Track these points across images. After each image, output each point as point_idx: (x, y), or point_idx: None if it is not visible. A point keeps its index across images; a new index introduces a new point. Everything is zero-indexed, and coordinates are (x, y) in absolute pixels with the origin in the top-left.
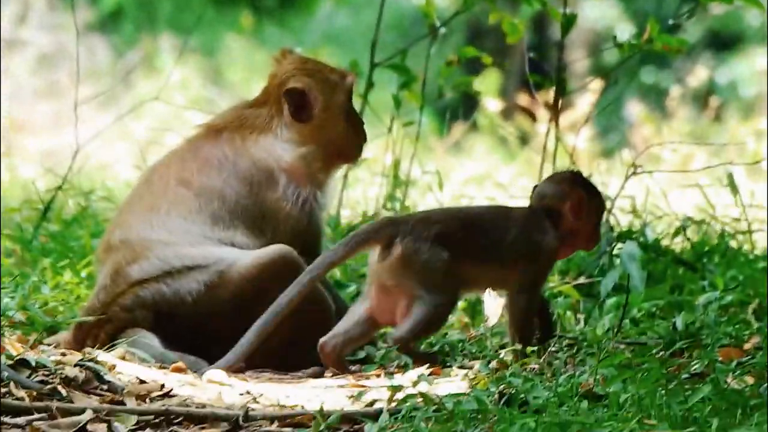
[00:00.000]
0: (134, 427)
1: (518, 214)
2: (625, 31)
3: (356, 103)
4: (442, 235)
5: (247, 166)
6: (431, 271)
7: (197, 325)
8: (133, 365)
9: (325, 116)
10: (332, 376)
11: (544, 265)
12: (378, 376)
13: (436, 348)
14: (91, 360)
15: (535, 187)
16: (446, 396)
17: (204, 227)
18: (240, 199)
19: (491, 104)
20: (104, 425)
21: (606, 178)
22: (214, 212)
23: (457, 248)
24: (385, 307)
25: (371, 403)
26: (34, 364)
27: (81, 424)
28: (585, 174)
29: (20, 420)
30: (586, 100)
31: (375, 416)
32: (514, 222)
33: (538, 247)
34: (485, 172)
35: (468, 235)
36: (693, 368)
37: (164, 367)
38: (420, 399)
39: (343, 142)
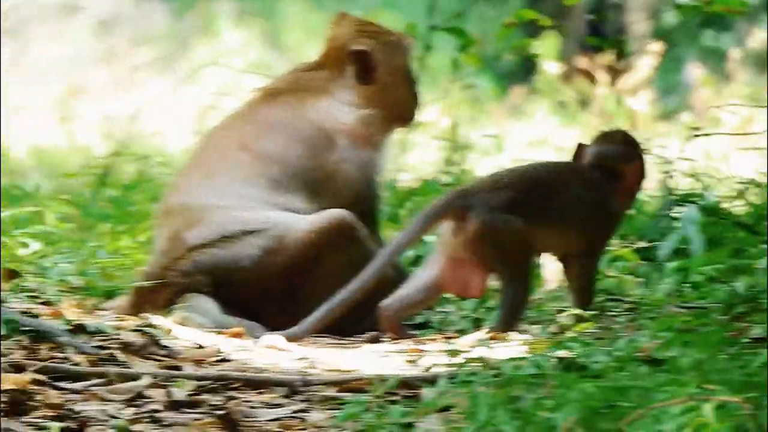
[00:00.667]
0: (192, 392)
1: (586, 174)
2: None
3: (414, 67)
4: (514, 201)
5: (306, 129)
6: (509, 242)
7: (255, 290)
8: (190, 330)
9: (387, 79)
10: (390, 341)
11: (610, 228)
12: (435, 340)
13: (494, 312)
14: (148, 325)
15: (583, 145)
16: (504, 360)
17: (262, 192)
18: (299, 162)
19: (550, 67)
20: (162, 390)
21: (665, 141)
22: (272, 176)
23: (530, 213)
24: (457, 278)
25: (429, 368)
26: (91, 329)
27: (139, 390)
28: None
29: (77, 385)
30: (645, 63)
31: (432, 381)
32: (582, 181)
33: (606, 209)
34: (544, 136)
35: (539, 198)
36: (753, 333)
37: (222, 332)
38: (478, 363)
39: (402, 104)
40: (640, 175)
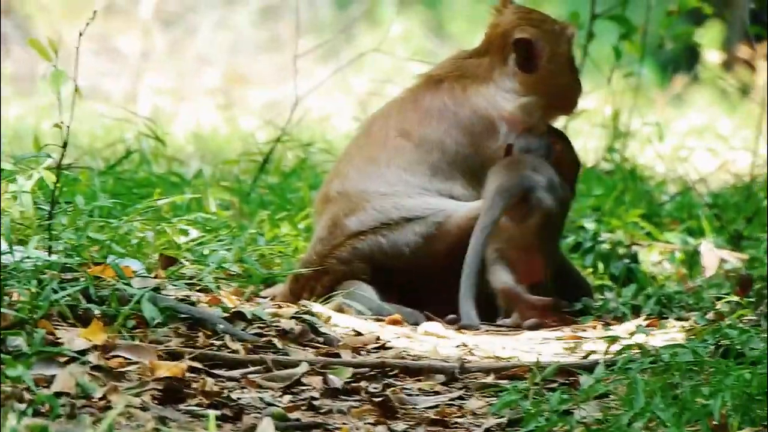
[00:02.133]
0: (350, 379)
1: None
2: None
3: (576, 55)
4: (555, 185)
5: (467, 116)
6: (561, 224)
7: (414, 277)
8: (349, 317)
9: (549, 67)
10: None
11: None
12: (594, 327)
13: (653, 299)
14: (306, 312)
15: (511, 145)
16: (663, 347)
17: (423, 178)
18: (460, 149)
19: (712, 56)
20: (319, 378)
21: None
22: (433, 163)
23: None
24: (530, 269)
25: (587, 355)
26: (249, 316)
27: (296, 377)
28: None
29: (235, 373)
30: None
31: (591, 368)
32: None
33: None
34: (706, 124)
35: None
36: None
37: (380, 320)
38: (636, 350)
39: (564, 92)
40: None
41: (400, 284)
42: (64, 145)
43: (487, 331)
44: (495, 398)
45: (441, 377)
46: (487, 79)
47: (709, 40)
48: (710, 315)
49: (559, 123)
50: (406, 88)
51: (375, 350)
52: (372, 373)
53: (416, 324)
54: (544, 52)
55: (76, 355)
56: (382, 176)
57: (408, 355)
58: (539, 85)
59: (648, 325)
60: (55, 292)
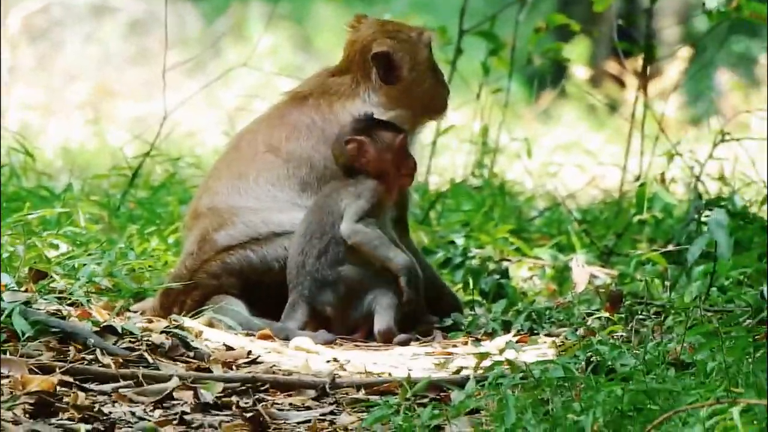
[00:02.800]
0: (220, 394)
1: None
2: None
3: (445, 70)
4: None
5: (334, 132)
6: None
7: (284, 291)
8: (219, 332)
9: (412, 76)
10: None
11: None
12: (465, 343)
13: (523, 315)
14: (177, 327)
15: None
16: (533, 363)
17: (292, 193)
18: (328, 164)
19: (580, 71)
20: (190, 392)
21: (695, 146)
22: (302, 178)
23: None
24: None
25: (458, 371)
26: (120, 330)
27: (167, 391)
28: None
29: (106, 387)
30: (675, 68)
31: (462, 384)
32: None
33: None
34: (574, 140)
35: None
36: None
37: (251, 334)
38: (507, 366)
39: (431, 97)
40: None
41: (271, 299)
42: None
43: (357, 345)
44: (366, 413)
45: (312, 392)
46: (352, 95)
47: (577, 56)
48: (581, 331)
49: (427, 137)
50: (272, 104)
51: (246, 365)
52: (243, 387)
53: (287, 338)
54: (404, 61)
55: None
56: (251, 191)
57: (279, 369)
58: (404, 95)
59: (518, 341)
60: None
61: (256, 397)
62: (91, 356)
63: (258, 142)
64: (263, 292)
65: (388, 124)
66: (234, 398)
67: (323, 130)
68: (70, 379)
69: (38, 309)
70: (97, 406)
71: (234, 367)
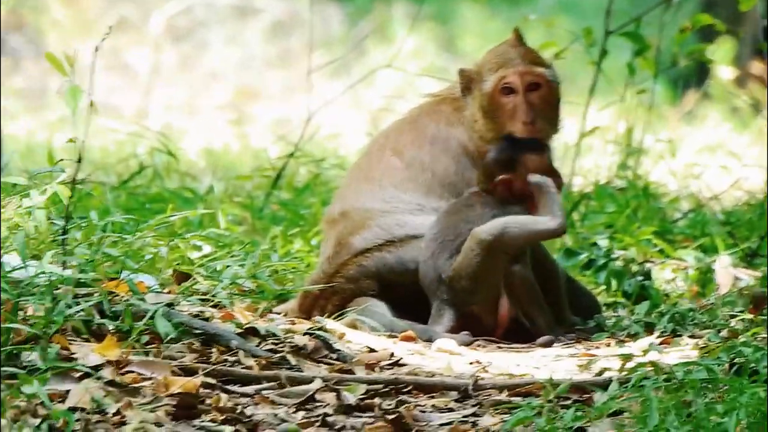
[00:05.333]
0: (363, 395)
1: None
2: None
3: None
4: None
5: (456, 145)
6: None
7: (423, 292)
8: (362, 334)
9: (480, 97)
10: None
11: None
12: (608, 345)
13: (666, 317)
14: (320, 328)
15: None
16: (676, 365)
17: (416, 195)
18: (449, 174)
19: (724, 72)
20: (333, 394)
21: None
22: (425, 182)
23: None
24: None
25: (601, 372)
26: (263, 332)
27: (310, 393)
28: None
29: (249, 389)
30: None
31: (604, 385)
32: None
33: None
34: (718, 141)
35: None
36: None
37: (394, 336)
38: (650, 368)
39: (502, 122)
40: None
41: (410, 300)
42: (79, 160)
43: (500, 348)
44: (508, 415)
45: (454, 394)
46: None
47: (721, 57)
48: (724, 332)
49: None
50: (410, 108)
51: (388, 366)
52: (385, 389)
53: (429, 340)
54: (476, 83)
55: (90, 370)
56: (377, 194)
57: (421, 371)
58: (480, 112)
59: (661, 343)
60: (69, 307)
61: (399, 398)
62: (233, 358)
63: (386, 145)
64: (402, 294)
65: (530, 144)
66: (377, 400)
67: (447, 139)
68: (213, 381)
69: (181, 311)
70: (239, 408)
71: (377, 368)
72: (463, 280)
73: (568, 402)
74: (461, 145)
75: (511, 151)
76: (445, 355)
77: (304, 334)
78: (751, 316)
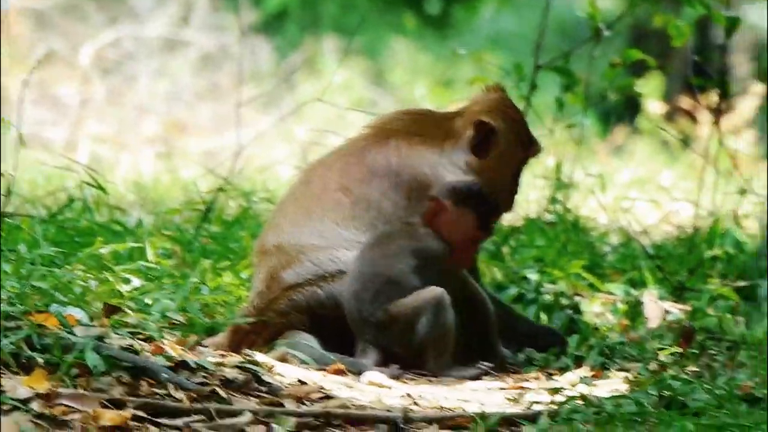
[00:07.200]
0: (293, 429)
1: None
2: None
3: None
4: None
5: (407, 179)
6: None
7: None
8: (292, 367)
9: (495, 163)
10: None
11: None
12: (537, 378)
13: (596, 350)
14: (250, 362)
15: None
16: (606, 398)
17: (358, 233)
18: (396, 210)
19: (654, 107)
20: (263, 427)
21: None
22: (371, 220)
23: None
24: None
25: (530, 406)
26: (193, 365)
27: (240, 426)
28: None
29: (178, 422)
30: (748, 104)
31: (534, 418)
32: None
33: None
34: (647, 175)
35: None
36: None
37: (324, 369)
38: (580, 401)
39: (499, 192)
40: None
41: (341, 333)
42: (8, 194)
43: (430, 380)
44: None
45: (385, 427)
46: (437, 145)
47: (651, 91)
48: (653, 366)
49: None
50: (354, 137)
51: (319, 399)
52: (316, 422)
53: (359, 373)
54: (498, 146)
55: (19, 403)
56: (316, 230)
57: (352, 404)
58: (481, 172)
59: (591, 376)
60: None
61: (329, 431)
62: (163, 391)
63: (330, 179)
64: (333, 328)
65: (485, 204)
66: None
67: (398, 174)
68: (143, 414)
69: (111, 344)
70: None
71: (307, 401)
72: (395, 326)
73: None
74: (415, 179)
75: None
76: (375, 388)
77: (235, 367)
78: (680, 350)
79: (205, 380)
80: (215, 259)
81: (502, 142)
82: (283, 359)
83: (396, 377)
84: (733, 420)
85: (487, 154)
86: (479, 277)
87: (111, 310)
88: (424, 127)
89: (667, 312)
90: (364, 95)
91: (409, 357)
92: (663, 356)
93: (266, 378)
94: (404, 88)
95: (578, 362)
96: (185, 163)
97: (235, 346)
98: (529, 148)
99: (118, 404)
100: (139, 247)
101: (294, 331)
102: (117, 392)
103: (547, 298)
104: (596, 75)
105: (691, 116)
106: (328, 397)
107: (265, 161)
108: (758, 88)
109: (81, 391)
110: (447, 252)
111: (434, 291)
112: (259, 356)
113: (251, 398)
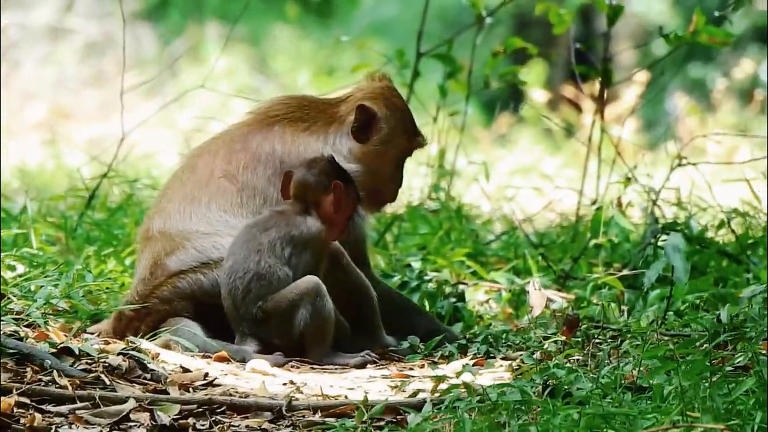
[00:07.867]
0: (177, 416)
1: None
2: (671, 24)
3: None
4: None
5: (292, 165)
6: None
7: None
8: (176, 354)
9: (378, 148)
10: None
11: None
12: (421, 366)
13: (480, 339)
14: (134, 349)
15: (290, 173)
16: (490, 387)
17: (244, 221)
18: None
19: (537, 95)
20: (147, 414)
21: (651, 170)
22: (255, 208)
23: None
24: None
25: (414, 394)
26: (77, 352)
27: (124, 413)
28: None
29: (63, 408)
30: (631, 92)
31: (418, 407)
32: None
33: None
34: (531, 163)
35: None
36: (737, 361)
37: (208, 356)
38: (463, 389)
39: (381, 181)
40: (340, 203)
41: (225, 321)
42: None
43: (314, 368)
44: None
45: (268, 414)
46: (321, 131)
47: (534, 79)
48: (537, 354)
49: None
50: (238, 122)
51: (202, 387)
52: (200, 409)
53: (243, 361)
54: (381, 132)
55: None
56: (203, 216)
57: (235, 392)
58: (364, 158)
59: (475, 364)
60: None
61: (213, 419)
62: (48, 378)
63: (215, 165)
64: (217, 315)
65: (348, 175)
66: (191, 420)
67: (282, 161)
68: (27, 401)
69: None
70: (53, 427)
71: (191, 389)
72: (272, 320)
73: (382, 423)
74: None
75: (337, 167)
76: (258, 375)
77: (119, 354)
78: (564, 338)
79: (89, 367)
80: (99, 246)
81: (384, 129)
82: (166, 346)
83: (280, 365)
84: (618, 409)
85: (368, 139)
86: (370, 268)
87: None
88: (308, 113)
89: (551, 300)
90: (248, 82)
91: (289, 347)
92: (547, 345)
93: (150, 365)
94: (287, 76)
95: (462, 351)
96: (70, 149)
97: (119, 333)
98: (413, 139)
99: (2, 391)
100: (23, 233)
101: (178, 318)
102: (2, 379)
103: (431, 286)
104: (479, 63)
105: (574, 105)
106: (211, 385)
107: (148, 148)
108: (641, 76)
109: None
110: (323, 232)
111: (310, 281)
112: (143, 343)
113: (135, 385)
